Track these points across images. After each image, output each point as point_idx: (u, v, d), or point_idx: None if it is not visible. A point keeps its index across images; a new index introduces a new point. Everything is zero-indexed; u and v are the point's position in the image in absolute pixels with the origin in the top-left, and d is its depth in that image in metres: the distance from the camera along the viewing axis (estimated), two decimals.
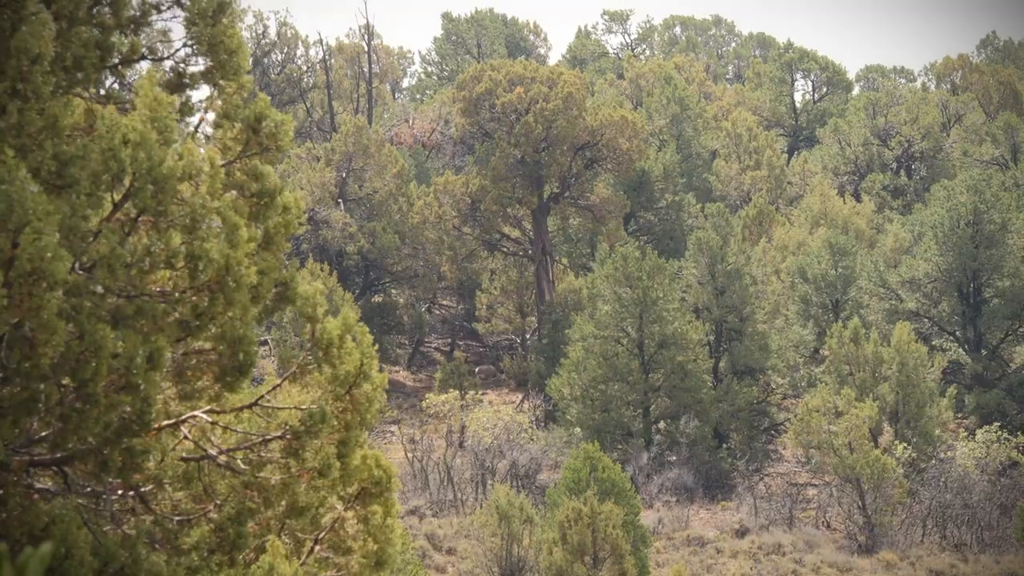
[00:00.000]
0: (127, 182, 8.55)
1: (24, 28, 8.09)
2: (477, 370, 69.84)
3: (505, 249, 73.63)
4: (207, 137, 10.25)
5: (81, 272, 8.32)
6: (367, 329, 10.41)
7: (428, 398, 60.46)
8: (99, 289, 8.33)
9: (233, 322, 9.06)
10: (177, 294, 8.76)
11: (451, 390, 61.57)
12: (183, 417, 9.64)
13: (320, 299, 10.14)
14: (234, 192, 9.74)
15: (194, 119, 10.23)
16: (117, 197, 8.63)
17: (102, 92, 9.77)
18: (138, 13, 9.42)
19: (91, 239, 8.41)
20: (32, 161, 8.22)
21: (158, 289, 8.81)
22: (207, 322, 8.95)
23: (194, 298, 8.82)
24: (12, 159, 7.96)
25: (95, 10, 9.06)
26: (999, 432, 53.76)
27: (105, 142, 8.41)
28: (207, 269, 8.76)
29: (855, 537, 49.97)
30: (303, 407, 9.80)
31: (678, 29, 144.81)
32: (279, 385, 10.06)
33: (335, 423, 9.88)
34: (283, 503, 9.91)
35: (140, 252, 8.56)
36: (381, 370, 10.63)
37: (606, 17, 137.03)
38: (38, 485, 9.14)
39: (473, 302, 76.19)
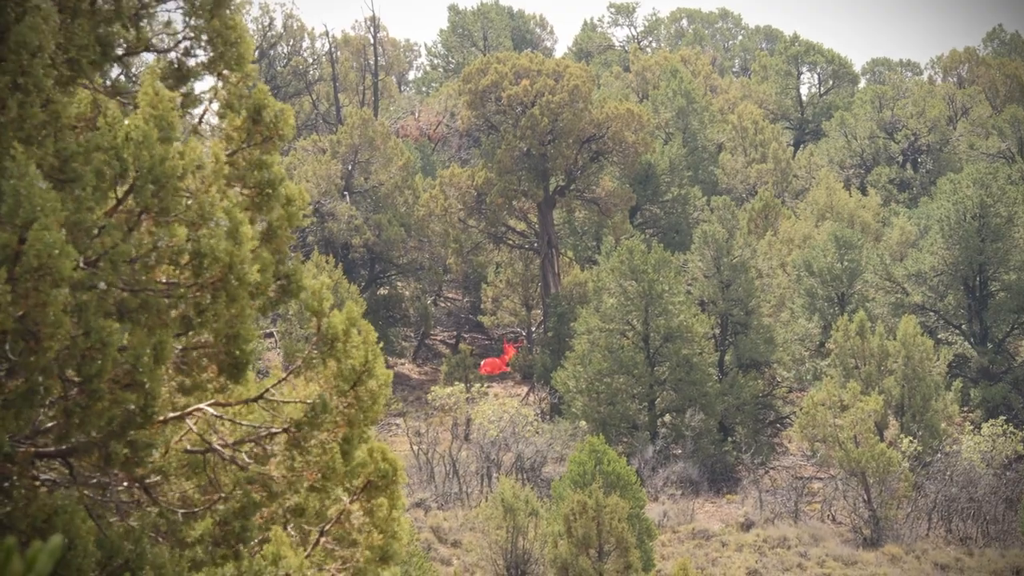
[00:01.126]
0: (130, 178, 8.52)
1: (24, 21, 8.06)
2: (483, 363, 69.77)
3: (511, 242, 73.60)
4: (211, 128, 10.23)
5: (85, 267, 8.30)
6: (371, 326, 10.37)
7: (433, 391, 60.46)
8: (103, 284, 8.31)
9: (232, 319, 9.03)
10: (181, 289, 8.73)
11: (456, 383, 61.58)
12: (188, 410, 9.62)
13: (326, 293, 10.11)
14: (238, 188, 9.71)
15: (198, 110, 10.20)
16: (120, 192, 8.61)
17: (108, 84, 9.74)
18: (139, 4, 9.38)
19: (96, 233, 8.39)
20: (34, 155, 8.19)
21: (163, 281, 8.79)
22: (210, 318, 8.93)
23: (197, 294, 8.79)
24: (21, 154, 7.93)
25: (97, 2, 9.03)
26: (1005, 425, 53.72)
27: (107, 140, 8.39)
28: (212, 266, 8.73)
29: (860, 531, 49.93)
30: (308, 401, 9.77)
31: (684, 22, 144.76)
32: (284, 379, 10.03)
33: (339, 418, 9.85)
34: (288, 500, 9.88)
35: (144, 248, 8.53)
36: (388, 366, 10.62)
37: (612, 10, 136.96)
38: (43, 476, 9.12)
39: (478, 295, 76.20)
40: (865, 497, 50.18)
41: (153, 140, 8.50)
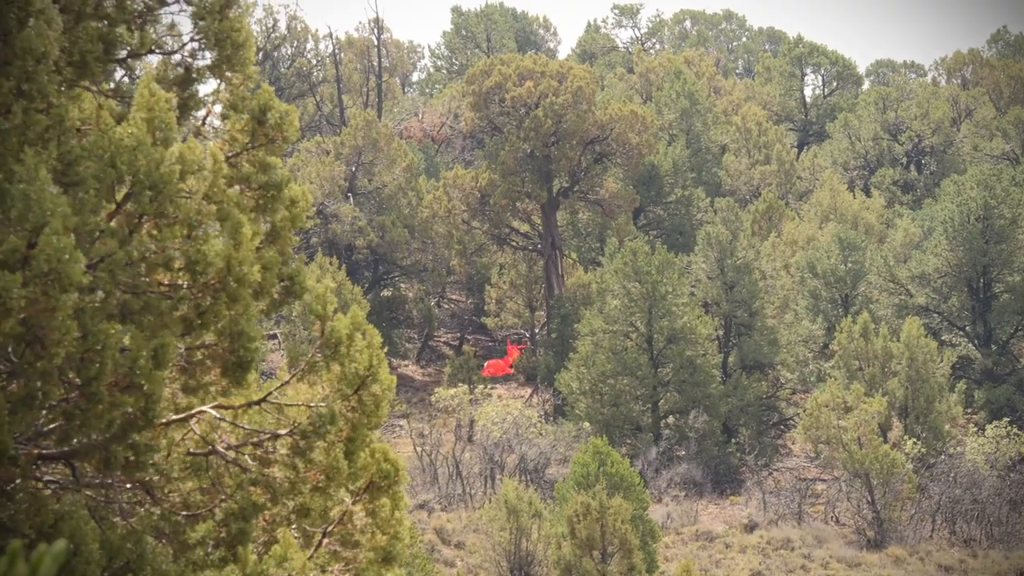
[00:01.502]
0: (127, 183, 8.53)
1: (29, 27, 8.06)
2: (486, 364, 69.75)
3: (514, 243, 73.60)
4: (215, 130, 10.23)
5: (88, 271, 8.30)
6: (376, 330, 10.38)
7: (437, 392, 60.47)
8: (102, 289, 8.31)
9: (236, 319, 9.03)
10: (182, 291, 8.74)
11: (460, 384, 61.59)
12: (191, 412, 9.62)
13: (330, 297, 10.11)
14: (238, 187, 9.71)
15: (201, 112, 10.21)
16: (119, 196, 8.62)
17: (111, 87, 9.75)
18: (143, 7, 9.39)
19: (97, 236, 8.39)
20: (39, 159, 8.19)
21: (166, 282, 8.80)
22: (210, 320, 8.93)
23: (197, 295, 8.79)
24: (32, 158, 7.93)
25: (101, 4, 9.03)
26: (1009, 427, 53.69)
27: (102, 146, 8.39)
28: (206, 270, 8.73)
29: (864, 532, 49.92)
30: (311, 405, 9.77)
31: (688, 23, 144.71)
32: (288, 382, 10.04)
33: (342, 423, 9.86)
34: (291, 502, 9.89)
35: (144, 251, 8.53)
36: (392, 368, 10.61)
37: (616, 11, 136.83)
38: (47, 478, 9.13)
39: (482, 296, 76.18)
40: (869, 499, 50.17)
41: (147, 145, 8.50)
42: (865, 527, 50.05)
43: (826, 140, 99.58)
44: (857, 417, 50.42)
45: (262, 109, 9.88)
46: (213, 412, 9.72)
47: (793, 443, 61.68)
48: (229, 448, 9.79)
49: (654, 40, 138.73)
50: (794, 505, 52.44)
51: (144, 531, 9.01)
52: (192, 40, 9.79)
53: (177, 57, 9.88)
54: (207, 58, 9.85)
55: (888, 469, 49.13)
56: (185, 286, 8.77)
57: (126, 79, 10.24)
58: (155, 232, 8.63)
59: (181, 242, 8.66)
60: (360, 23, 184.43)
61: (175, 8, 9.65)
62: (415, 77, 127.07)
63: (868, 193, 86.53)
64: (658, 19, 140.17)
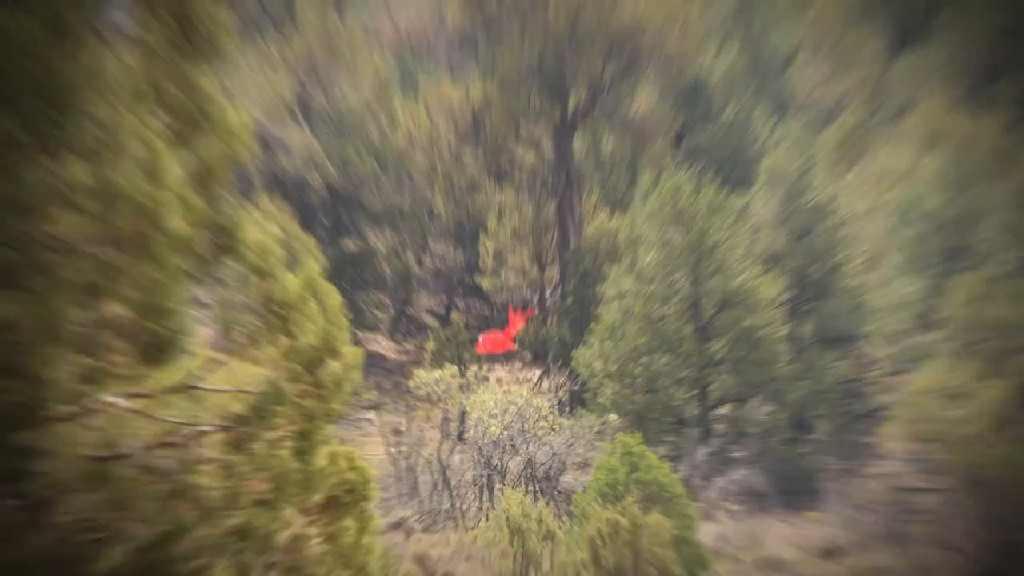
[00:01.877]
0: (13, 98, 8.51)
1: None
2: (482, 338, 69.95)
3: (517, 179, 73.61)
4: (131, 39, 10.22)
5: None
6: (336, 292, 10.42)
7: (417, 375, 60.59)
8: None
9: (153, 284, 9.04)
10: (85, 245, 8.73)
11: (447, 365, 61.71)
12: (93, 404, 9.64)
13: (274, 248, 10.14)
14: (159, 112, 9.72)
15: (110, 14, 10.19)
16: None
17: None
18: None
19: None
20: None
21: (61, 237, 8.79)
22: (123, 284, 8.93)
23: (107, 251, 8.80)
24: None
25: None
26: None
27: None
28: (123, 210, 8.72)
29: (985, 560, 50.14)
30: (251, 390, 9.79)
31: None
32: (220, 361, 10.06)
33: (292, 412, 9.89)
34: (229, 519, 9.92)
35: (37, 191, 8.52)
36: (357, 342, 10.64)
37: None
38: None
39: (476, 249, 76.26)
40: (992, 514, 50.35)
41: (46, 47, 8.49)
42: (986, 553, 50.27)
43: (928, 42, 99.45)
44: (974, 407, 50.56)
45: (187, 15, 9.87)
46: (122, 402, 9.74)
47: (888, 441, 61.88)
48: (144, 449, 9.81)
49: None
50: (890, 523, 52.65)
51: (32, 565, 9.04)
52: None
53: None
54: None
55: (1018, 475, 49.32)
56: (91, 238, 8.76)
57: None
58: (50, 165, 8.62)
59: (91, 169, 8.64)
60: None
61: None
62: None
63: (986, 110, 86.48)
64: None
